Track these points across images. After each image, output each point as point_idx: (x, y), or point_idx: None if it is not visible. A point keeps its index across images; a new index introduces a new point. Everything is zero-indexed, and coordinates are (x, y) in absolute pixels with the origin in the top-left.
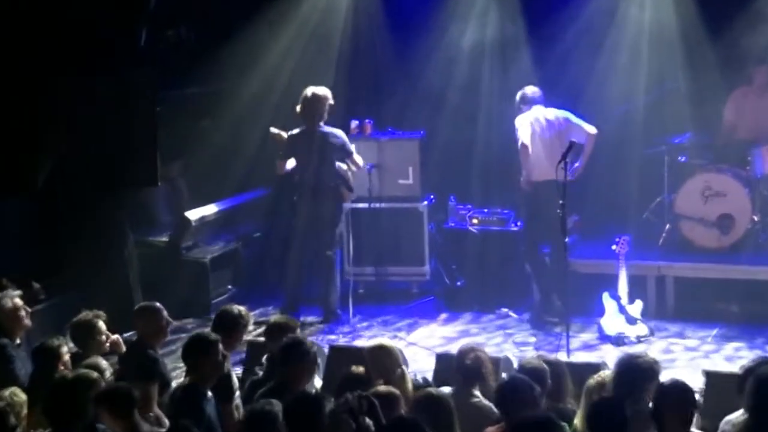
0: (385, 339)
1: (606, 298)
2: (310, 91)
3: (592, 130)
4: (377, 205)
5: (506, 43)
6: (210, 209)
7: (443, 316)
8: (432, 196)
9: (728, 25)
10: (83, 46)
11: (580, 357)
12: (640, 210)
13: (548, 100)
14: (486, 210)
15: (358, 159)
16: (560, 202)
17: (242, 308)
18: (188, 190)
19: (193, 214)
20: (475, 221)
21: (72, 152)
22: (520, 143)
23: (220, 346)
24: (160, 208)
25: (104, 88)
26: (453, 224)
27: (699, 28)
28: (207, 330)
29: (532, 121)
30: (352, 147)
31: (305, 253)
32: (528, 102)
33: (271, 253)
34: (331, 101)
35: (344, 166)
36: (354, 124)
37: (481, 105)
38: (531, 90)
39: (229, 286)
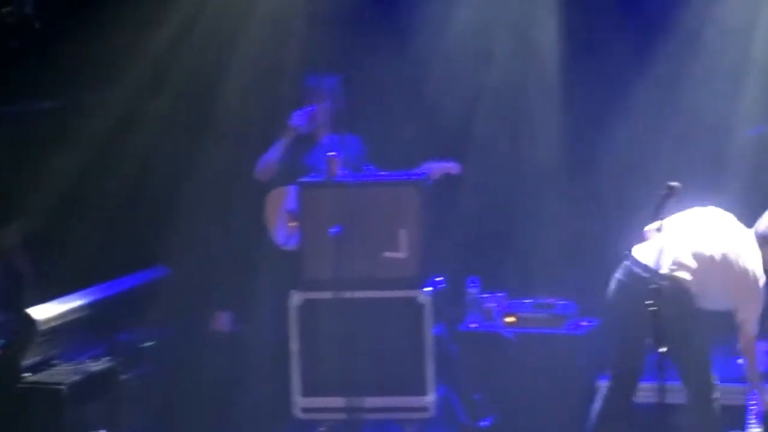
0: None
1: None
2: None
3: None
4: (347, 294)
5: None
6: (69, 303)
7: None
8: (440, 279)
9: None
10: None
11: None
12: None
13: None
14: (530, 301)
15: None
16: None
17: None
18: (32, 271)
19: (41, 312)
20: (511, 319)
21: None
22: None
23: None
24: None
25: None
26: (475, 325)
27: None
28: None
29: None
30: None
31: None
32: None
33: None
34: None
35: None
36: None
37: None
38: None
39: None
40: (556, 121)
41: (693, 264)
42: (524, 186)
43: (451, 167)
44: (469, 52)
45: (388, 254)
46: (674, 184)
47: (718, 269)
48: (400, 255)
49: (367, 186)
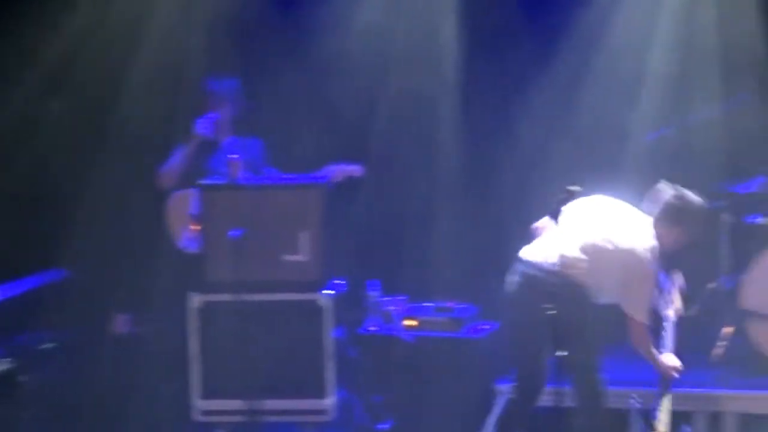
0: None
1: None
2: None
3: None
4: (247, 297)
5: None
6: None
7: None
8: (341, 282)
9: None
10: None
11: None
12: (684, 303)
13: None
14: (430, 304)
15: None
16: None
17: None
18: None
19: None
20: (410, 323)
21: None
22: None
23: None
24: None
25: None
26: (375, 328)
27: None
28: None
29: None
30: None
31: None
32: None
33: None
34: None
35: None
36: None
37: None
38: None
39: None
40: (457, 123)
41: (583, 256)
42: (426, 189)
43: (354, 170)
44: (371, 54)
45: (288, 257)
46: (574, 187)
47: (609, 258)
48: (301, 258)
49: (268, 189)
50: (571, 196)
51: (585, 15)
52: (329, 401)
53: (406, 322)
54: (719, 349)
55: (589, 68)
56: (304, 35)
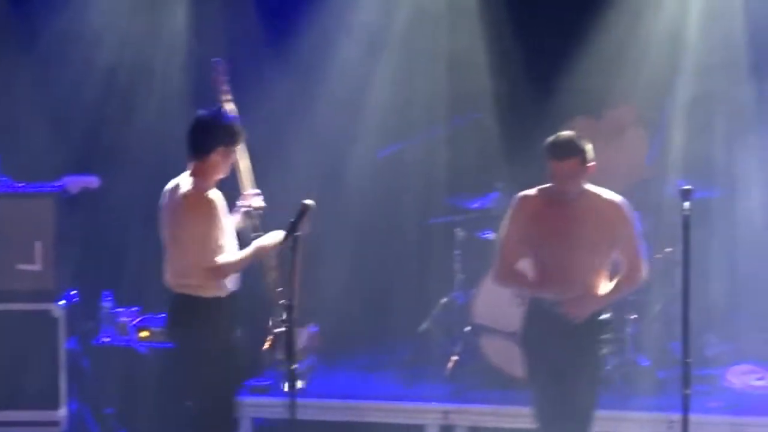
0: None
1: None
2: None
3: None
4: None
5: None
6: None
7: None
8: (74, 293)
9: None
10: None
11: None
12: (417, 318)
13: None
14: (164, 315)
15: None
16: None
17: None
18: None
19: None
20: (144, 334)
21: None
22: None
23: None
24: None
25: None
26: (108, 339)
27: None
28: None
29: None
30: None
31: None
32: None
33: None
34: None
35: None
36: None
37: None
38: None
39: None
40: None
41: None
42: (157, 199)
43: (90, 181)
44: (102, 57)
45: (22, 266)
46: (308, 202)
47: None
48: (35, 267)
49: (1, 198)
50: (306, 210)
51: (315, 30)
52: (61, 413)
53: (140, 334)
54: (451, 363)
55: (318, 84)
56: (35, 38)
